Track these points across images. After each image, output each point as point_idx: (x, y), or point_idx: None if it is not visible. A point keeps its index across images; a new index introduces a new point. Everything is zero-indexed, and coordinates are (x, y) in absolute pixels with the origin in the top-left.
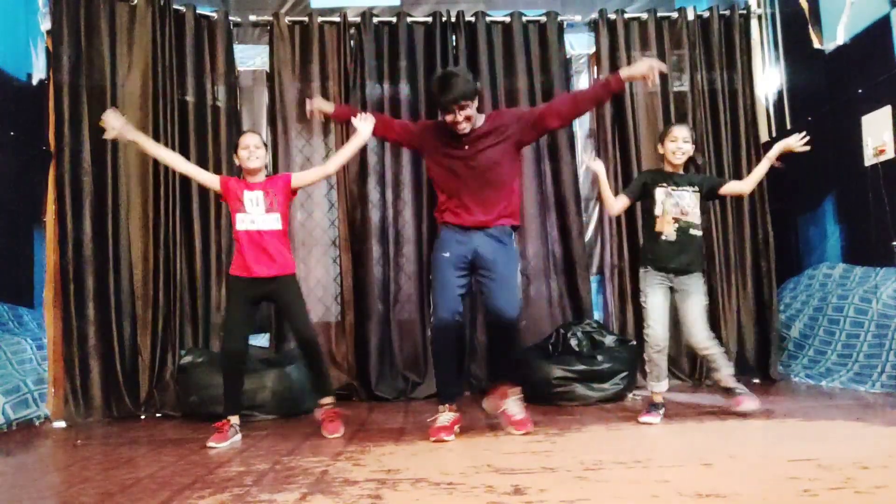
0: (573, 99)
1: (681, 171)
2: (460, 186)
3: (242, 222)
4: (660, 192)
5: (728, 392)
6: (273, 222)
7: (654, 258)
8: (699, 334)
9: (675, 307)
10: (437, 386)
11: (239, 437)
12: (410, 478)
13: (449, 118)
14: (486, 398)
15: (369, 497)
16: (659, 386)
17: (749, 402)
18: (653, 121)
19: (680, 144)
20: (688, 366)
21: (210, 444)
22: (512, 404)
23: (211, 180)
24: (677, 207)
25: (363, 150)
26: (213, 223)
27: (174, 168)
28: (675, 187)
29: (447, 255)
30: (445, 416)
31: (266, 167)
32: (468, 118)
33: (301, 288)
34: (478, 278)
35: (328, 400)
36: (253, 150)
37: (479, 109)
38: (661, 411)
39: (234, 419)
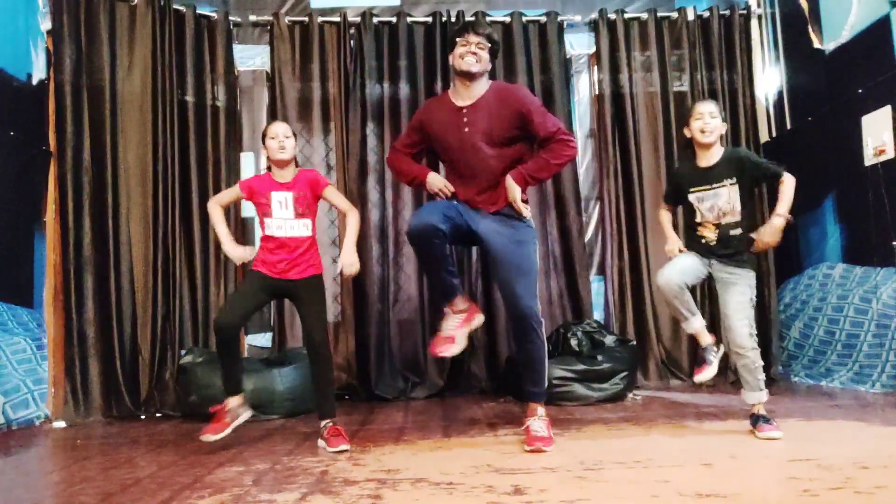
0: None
1: (715, 158)
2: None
3: (269, 227)
4: (693, 198)
5: (757, 419)
6: (303, 229)
7: (694, 249)
8: (738, 330)
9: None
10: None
11: (245, 415)
12: (410, 478)
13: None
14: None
15: (369, 497)
16: (695, 321)
17: (772, 431)
18: (653, 121)
19: (707, 120)
20: (688, 366)
21: (203, 436)
22: (535, 423)
23: (234, 194)
24: (714, 211)
25: (363, 150)
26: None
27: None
28: (708, 187)
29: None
30: (452, 319)
31: (296, 160)
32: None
33: (324, 291)
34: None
35: (327, 422)
36: (283, 140)
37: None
38: (715, 353)
39: (234, 401)
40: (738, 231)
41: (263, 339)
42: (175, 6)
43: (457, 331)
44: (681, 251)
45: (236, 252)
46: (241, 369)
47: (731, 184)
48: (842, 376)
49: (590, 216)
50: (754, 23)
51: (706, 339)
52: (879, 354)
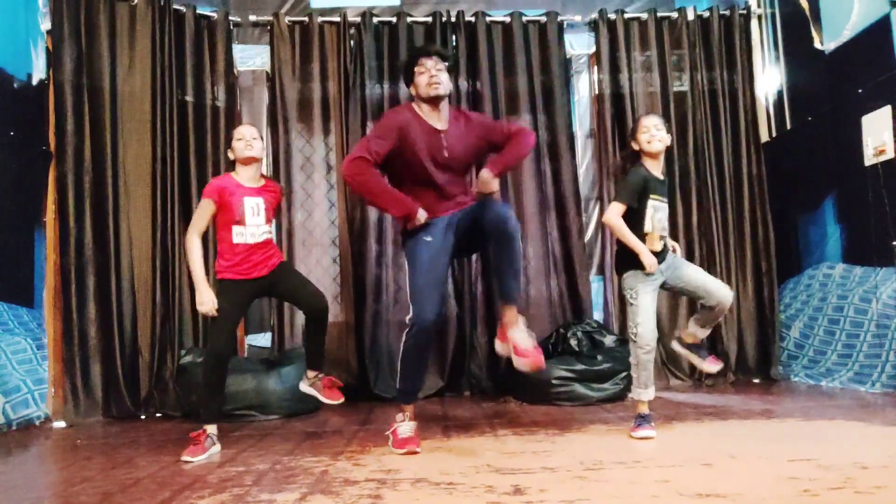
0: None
1: (661, 169)
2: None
3: (241, 235)
4: (650, 207)
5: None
6: (267, 232)
7: (641, 266)
8: (722, 288)
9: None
10: (401, 385)
11: (218, 448)
12: (410, 478)
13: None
14: (496, 341)
15: (369, 497)
16: (647, 394)
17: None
18: None
19: (654, 132)
20: (688, 366)
21: (185, 457)
22: (517, 333)
23: (209, 211)
24: (661, 222)
25: None
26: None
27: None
28: (663, 198)
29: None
30: (406, 425)
31: (261, 161)
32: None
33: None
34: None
35: (317, 373)
36: (249, 140)
37: (479, 108)
38: (653, 423)
39: (212, 429)
40: (668, 241)
41: (263, 339)
42: (175, 6)
43: (415, 434)
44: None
45: (210, 301)
46: (224, 398)
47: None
48: (842, 376)
49: (590, 216)
50: (754, 23)
51: (646, 409)
52: (879, 354)
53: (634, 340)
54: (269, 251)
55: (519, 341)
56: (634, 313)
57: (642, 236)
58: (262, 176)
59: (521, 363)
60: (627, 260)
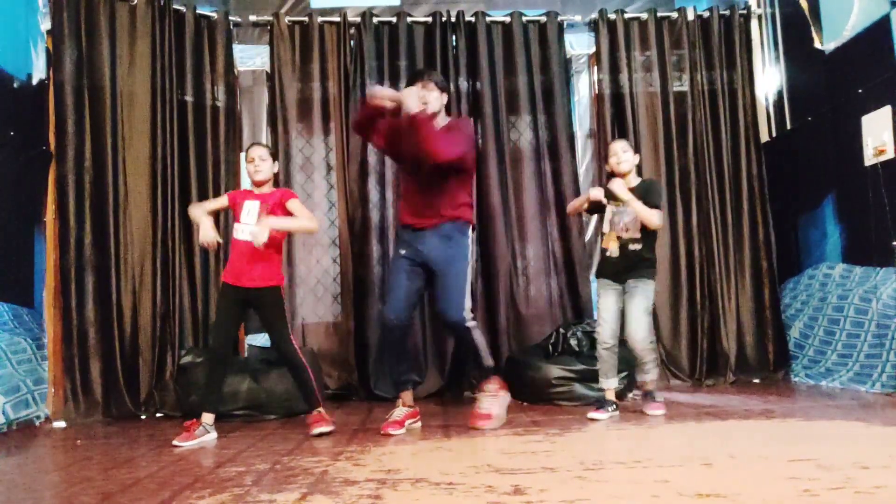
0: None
1: (632, 184)
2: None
3: (237, 231)
4: (608, 211)
5: (646, 396)
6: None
7: (602, 271)
8: (637, 333)
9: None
10: (389, 375)
11: (212, 436)
12: (410, 478)
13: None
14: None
15: (369, 497)
16: (607, 382)
17: (658, 409)
18: (652, 121)
19: (621, 157)
20: (688, 366)
21: (175, 441)
22: (483, 399)
23: (221, 202)
24: (621, 224)
25: (363, 150)
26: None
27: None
28: (621, 203)
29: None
30: (399, 410)
31: (277, 176)
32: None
33: (285, 302)
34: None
35: (313, 412)
36: (258, 164)
37: (478, 113)
38: (612, 408)
39: (208, 418)
40: (637, 247)
41: (263, 339)
42: (175, 6)
43: (404, 419)
44: (604, 264)
45: (209, 233)
46: (223, 390)
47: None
48: (842, 376)
49: (590, 216)
50: (754, 23)
51: (611, 396)
52: (879, 354)
53: (596, 338)
54: (263, 261)
55: (478, 408)
56: (597, 314)
57: (602, 235)
58: (276, 186)
59: (473, 423)
60: (598, 267)
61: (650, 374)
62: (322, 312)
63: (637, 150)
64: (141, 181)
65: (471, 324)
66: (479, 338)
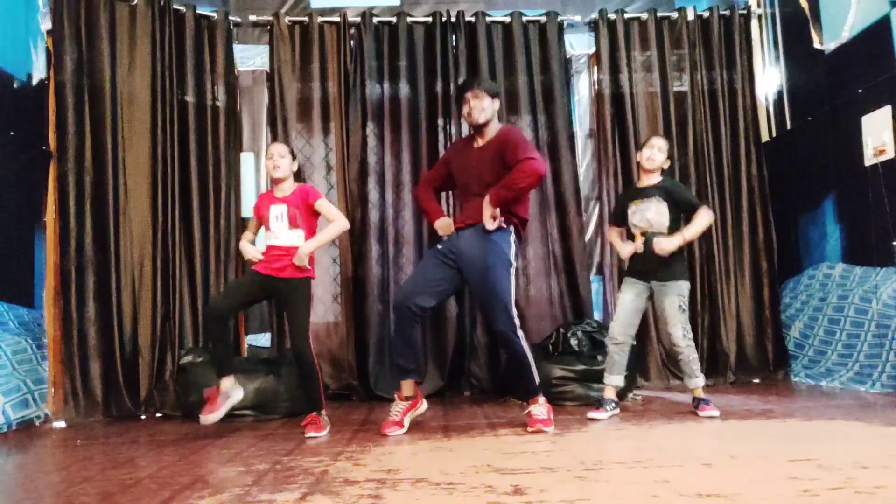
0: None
1: (652, 182)
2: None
3: (268, 238)
4: (629, 211)
5: (699, 402)
6: (295, 239)
7: (631, 269)
8: (674, 331)
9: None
10: (393, 360)
11: (238, 395)
12: (410, 478)
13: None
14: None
15: (369, 497)
16: (610, 378)
17: (712, 411)
18: (653, 121)
19: (654, 152)
20: None
21: (202, 418)
22: (534, 408)
23: (255, 223)
24: (643, 221)
25: (363, 150)
26: (212, 223)
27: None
28: (640, 201)
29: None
30: (396, 406)
31: (302, 173)
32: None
33: (311, 297)
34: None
35: (313, 414)
36: (277, 160)
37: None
38: (611, 407)
39: (226, 383)
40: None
41: (263, 339)
42: (175, 6)
43: (403, 416)
44: (631, 259)
45: (250, 250)
46: (230, 353)
47: (659, 201)
48: (842, 376)
49: (590, 216)
50: (754, 23)
51: (611, 394)
52: (879, 354)
53: (609, 333)
54: (281, 257)
55: (536, 414)
56: (614, 309)
57: (631, 238)
58: (297, 183)
59: (530, 430)
60: (628, 267)
61: (699, 380)
62: (322, 312)
63: (637, 150)
64: (141, 181)
65: (520, 332)
66: (529, 352)
